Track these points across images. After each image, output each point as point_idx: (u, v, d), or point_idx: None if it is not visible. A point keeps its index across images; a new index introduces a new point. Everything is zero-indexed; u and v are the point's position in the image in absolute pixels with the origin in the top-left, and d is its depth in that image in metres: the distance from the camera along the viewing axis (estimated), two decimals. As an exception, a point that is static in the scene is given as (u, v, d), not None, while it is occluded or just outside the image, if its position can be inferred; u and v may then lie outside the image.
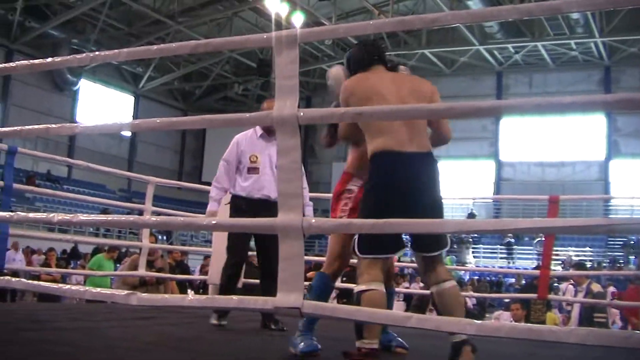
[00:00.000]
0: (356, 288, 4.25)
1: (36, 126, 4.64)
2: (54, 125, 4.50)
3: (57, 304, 11.76)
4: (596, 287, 11.70)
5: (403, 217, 3.65)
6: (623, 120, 38.72)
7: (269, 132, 6.82)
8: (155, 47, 3.95)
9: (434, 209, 4.42)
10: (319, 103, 46.65)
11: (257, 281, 9.52)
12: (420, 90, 4.66)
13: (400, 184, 4.35)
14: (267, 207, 6.43)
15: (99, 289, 4.25)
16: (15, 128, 4.55)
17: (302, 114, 3.47)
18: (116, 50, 4.14)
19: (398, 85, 4.56)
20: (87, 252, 23.05)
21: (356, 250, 4.26)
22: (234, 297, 3.52)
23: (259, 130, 6.97)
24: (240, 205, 6.83)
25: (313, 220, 3.41)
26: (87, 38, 35.74)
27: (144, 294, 3.77)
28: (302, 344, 4.66)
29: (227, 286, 6.85)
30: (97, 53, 4.22)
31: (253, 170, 6.79)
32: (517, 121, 40.68)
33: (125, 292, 3.77)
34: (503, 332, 3.00)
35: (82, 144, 38.55)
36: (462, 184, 40.58)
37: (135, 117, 42.14)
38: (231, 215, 6.69)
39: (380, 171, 4.41)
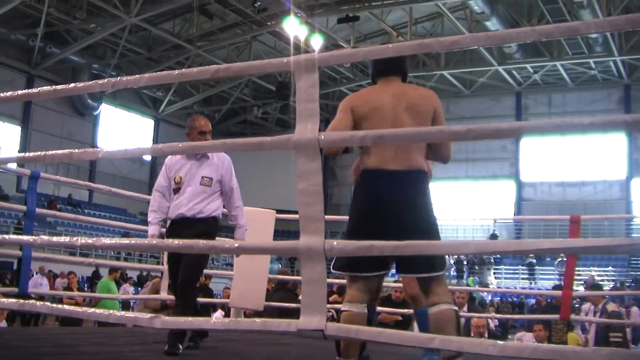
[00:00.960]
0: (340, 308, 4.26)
1: (59, 151, 4.69)
2: (77, 150, 4.54)
3: (78, 328, 11.80)
4: (611, 307, 11.61)
5: (379, 236, 3.65)
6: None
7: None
8: (176, 72, 3.98)
9: (417, 227, 4.22)
10: (338, 125, 46.72)
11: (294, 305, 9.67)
12: (419, 105, 4.45)
13: (375, 202, 4.32)
14: (185, 225, 6.31)
15: (123, 313, 4.28)
16: (39, 153, 4.59)
17: (323, 137, 3.49)
18: (137, 76, 4.17)
19: (397, 100, 4.44)
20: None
21: (331, 266, 4.20)
22: (258, 320, 3.53)
23: None
24: (168, 229, 6.67)
25: (335, 243, 3.42)
26: (107, 63, 36.03)
27: (168, 317, 3.79)
28: None
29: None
30: (118, 78, 4.26)
31: (176, 191, 6.52)
32: (538, 141, 40.56)
33: (149, 315, 3.80)
34: (526, 353, 3.00)
35: (103, 168, 38.77)
36: (483, 205, 40.55)
37: (155, 140, 42.34)
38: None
39: (360, 189, 4.49)
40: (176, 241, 4.42)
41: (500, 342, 3.08)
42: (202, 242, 4.07)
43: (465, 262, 36.24)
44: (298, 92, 3.57)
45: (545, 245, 3.10)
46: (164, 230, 6.89)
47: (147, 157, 40.71)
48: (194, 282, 6.51)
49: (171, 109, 42.47)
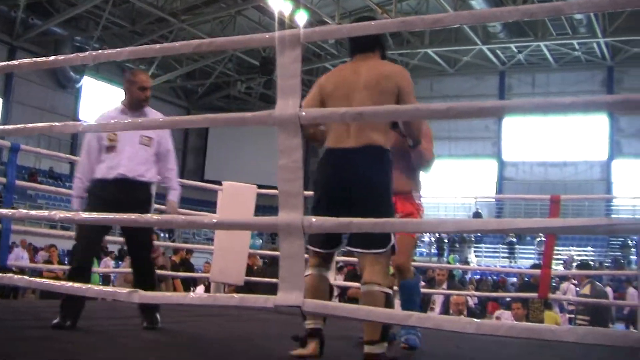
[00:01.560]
0: None
1: (40, 124, 4.66)
2: (57, 124, 4.50)
3: (57, 301, 11.73)
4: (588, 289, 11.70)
5: (336, 213, 3.75)
6: (625, 120, 38.72)
7: (133, 107, 6.14)
8: (158, 46, 3.97)
9: (368, 203, 4.24)
10: (321, 102, 46.71)
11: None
12: (380, 83, 4.40)
13: (329, 179, 4.46)
14: (125, 188, 5.80)
15: (101, 287, 4.28)
16: (19, 126, 4.58)
17: (304, 113, 3.49)
18: (119, 49, 4.15)
19: (357, 78, 4.43)
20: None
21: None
22: (235, 295, 3.53)
23: (120, 106, 6.25)
24: (95, 190, 5.92)
25: (314, 220, 3.43)
26: (90, 35, 35.75)
27: (145, 292, 3.78)
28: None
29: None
30: (100, 52, 4.24)
31: (110, 149, 5.87)
32: (520, 121, 40.63)
33: (127, 289, 3.80)
34: (502, 330, 3.02)
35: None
36: (465, 183, 40.68)
37: (138, 115, 42.12)
38: (88, 204, 5.90)
39: (318, 167, 4.61)
40: (155, 216, 4.40)
41: (476, 320, 3.10)
42: (181, 218, 4.06)
43: (446, 240, 36.39)
44: (280, 67, 3.56)
45: (523, 224, 3.12)
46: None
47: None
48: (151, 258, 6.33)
49: (154, 83, 42.06)
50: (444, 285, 11.43)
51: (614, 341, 2.99)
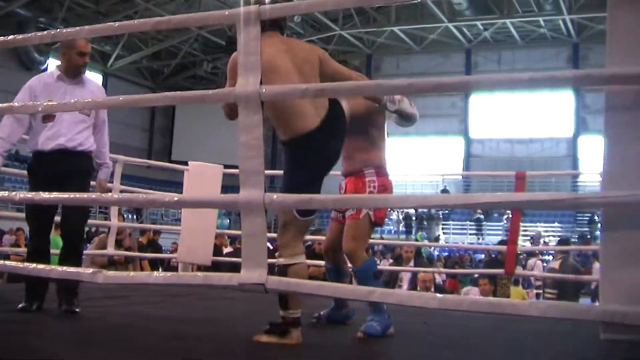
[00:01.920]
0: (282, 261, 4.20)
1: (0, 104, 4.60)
2: (17, 104, 4.46)
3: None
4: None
5: None
6: (591, 97, 38.90)
7: (71, 74, 5.80)
8: (116, 24, 3.91)
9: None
10: (288, 81, 46.60)
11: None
12: (310, 57, 4.46)
13: (326, 158, 4.45)
14: (65, 159, 5.51)
15: (64, 268, 4.24)
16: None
17: (264, 90, 3.47)
18: (78, 28, 4.09)
19: (292, 55, 4.38)
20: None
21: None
22: (199, 274, 3.52)
23: (56, 72, 5.87)
24: (34, 164, 5.69)
25: (275, 196, 3.42)
26: (54, 17, 35.37)
27: (110, 272, 3.75)
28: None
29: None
30: (58, 30, 4.18)
31: (47, 118, 5.57)
32: (487, 98, 40.86)
33: (92, 270, 3.78)
34: (464, 305, 3.03)
35: (51, 123, 38.22)
36: (432, 161, 40.85)
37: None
38: (30, 180, 5.74)
39: (310, 150, 4.37)
40: (116, 195, 4.35)
41: (439, 295, 3.12)
42: (141, 196, 4.03)
43: (413, 218, 36.54)
44: (239, 45, 3.54)
45: (483, 199, 3.12)
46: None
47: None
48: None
49: (120, 64, 41.89)
50: (411, 263, 11.46)
51: (576, 315, 3.02)
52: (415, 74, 41.99)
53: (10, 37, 4.36)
